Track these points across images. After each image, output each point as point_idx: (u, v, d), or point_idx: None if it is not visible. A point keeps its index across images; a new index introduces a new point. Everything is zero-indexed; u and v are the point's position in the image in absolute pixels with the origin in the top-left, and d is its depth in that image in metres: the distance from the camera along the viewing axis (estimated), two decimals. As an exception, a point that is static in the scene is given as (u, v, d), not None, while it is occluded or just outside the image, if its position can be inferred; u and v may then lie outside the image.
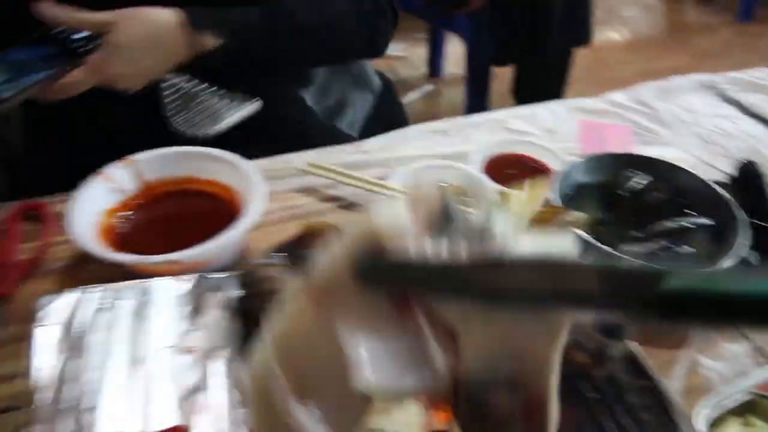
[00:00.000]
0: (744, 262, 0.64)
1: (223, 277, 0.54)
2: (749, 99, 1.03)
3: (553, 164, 0.85)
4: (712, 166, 0.88)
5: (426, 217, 0.26)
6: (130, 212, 0.70)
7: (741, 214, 0.68)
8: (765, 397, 0.54)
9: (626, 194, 0.74)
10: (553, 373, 0.27)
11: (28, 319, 0.62)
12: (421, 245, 0.26)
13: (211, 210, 0.72)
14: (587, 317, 0.42)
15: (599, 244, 0.63)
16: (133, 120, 0.80)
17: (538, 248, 0.26)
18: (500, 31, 1.98)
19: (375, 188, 0.77)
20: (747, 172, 0.80)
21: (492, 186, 0.78)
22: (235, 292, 0.52)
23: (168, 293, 0.53)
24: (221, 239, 0.61)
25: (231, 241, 0.62)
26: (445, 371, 0.27)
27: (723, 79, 1.08)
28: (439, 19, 2.35)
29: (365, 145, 0.91)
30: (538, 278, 0.22)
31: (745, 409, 0.54)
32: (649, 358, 0.53)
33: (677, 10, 3.59)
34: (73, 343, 0.47)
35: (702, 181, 0.73)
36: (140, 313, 0.51)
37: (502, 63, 2.12)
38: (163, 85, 0.77)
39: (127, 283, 0.53)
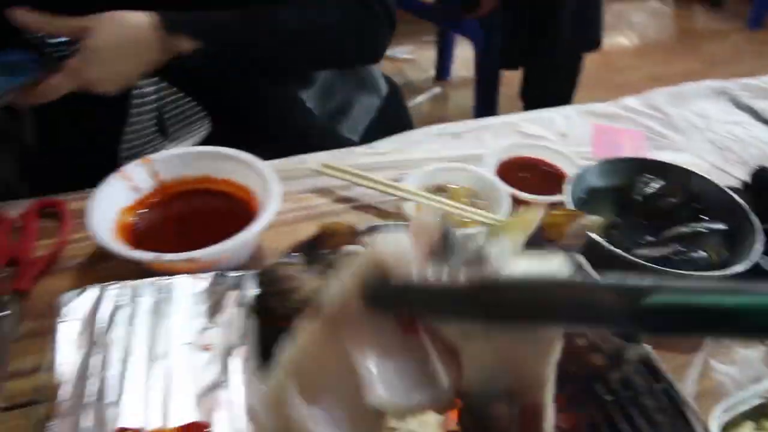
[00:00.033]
0: (757, 267, 0.65)
1: (241, 276, 0.55)
2: (762, 105, 1.04)
3: (566, 168, 0.85)
4: (725, 172, 0.88)
5: (427, 245, 0.29)
6: (147, 211, 0.71)
7: (756, 220, 0.68)
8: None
9: (640, 198, 0.74)
10: (548, 385, 0.29)
11: (44, 315, 0.63)
12: (423, 271, 0.28)
13: (226, 209, 0.72)
14: (578, 331, 0.44)
15: (613, 248, 0.63)
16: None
17: (531, 270, 0.28)
18: (510, 34, 1.99)
19: (388, 190, 0.77)
20: (760, 178, 0.80)
21: (505, 189, 0.78)
22: (253, 291, 0.53)
23: (186, 291, 0.53)
24: (238, 238, 0.61)
25: (247, 240, 0.63)
26: (448, 386, 0.29)
27: (735, 85, 1.08)
28: (449, 23, 2.35)
29: (378, 147, 0.91)
30: (530, 298, 0.24)
31: (758, 414, 0.54)
32: (663, 361, 0.54)
33: (686, 16, 3.59)
34: (95, 339, 0.48)
35: (716, 186, 0.73)
36: (159, 310, 0.51)
37: (511, 66, 2.13)
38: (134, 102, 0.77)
39: (145, 280, 0.53)
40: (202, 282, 0.54)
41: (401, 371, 0.29)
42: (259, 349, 0.49)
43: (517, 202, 0.78)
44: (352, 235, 0.54)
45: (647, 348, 0.52)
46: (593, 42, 2.03)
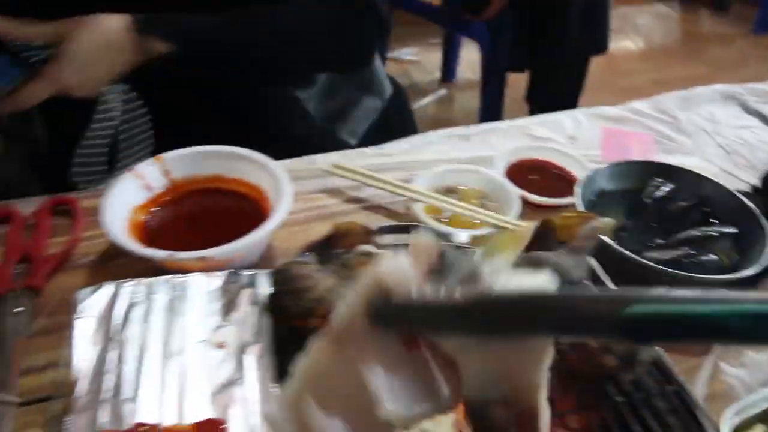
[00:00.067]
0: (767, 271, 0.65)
1: (254, 274, 0.55)
2: (771, 110, 1.04)
3: (575, 171, 0.85)
4: (734, 176, 0.89)
5: (425, 265, 0.31)
6: (158, 209, 0.71)
7: (766, 223, 0.68)
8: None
9: (650, 201, 0.75)
10: (541, 389, 0.31)
11: (57, 312, 0.63)
12: (422, 290, 0.30)
13: (238, 209, 0.73)
14: (566, 340, 0.45)
15: (623, 250, 0.64)
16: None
17: (521, 285, 0.30)
18: (517, 37, 1.99)
19: (398, 190, 0.78)
20: (769, 182, 0.80)
21: (515, 190, 0.78)
22: (267, 289, 0.53)
23: (200, 289, 0.54)
24: (251, 237, 0.62)
25: (259, 239, 0.63)
26: (449, 396, 0.31)
27: (744, 89, 1.09)
28: (456, 25, 2.35)
29: (387, 149, 0.91)
30: (521, 311, 0.26)
31: (768, 417, 0.55)
32: (674, 364, 0.54)
33: (692, 20, 3.59)
34: (110, 336, 0.48)
35: (726, 189, 0.74)
36: (173, 307, 0.52)
37: (518, 69, 2.13)
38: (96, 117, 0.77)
39: (160, 278, 0.54)
40: (215, 280, 0.54)
41: (406, 384, 0.31)
42: (273, 347, 0.49)
43: (526, 204, 0.78)
44: (366, 234, 0.54)
45: (659, 350, 0.52)
46: (600, 45, 2.03)
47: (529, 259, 0.54)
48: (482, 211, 0.75)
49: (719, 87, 1.09)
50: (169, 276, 0.54)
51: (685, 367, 0.56)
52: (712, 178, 0.76)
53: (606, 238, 0.64)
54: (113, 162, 0.81)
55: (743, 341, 0.20)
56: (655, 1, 3.71)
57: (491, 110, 2.20)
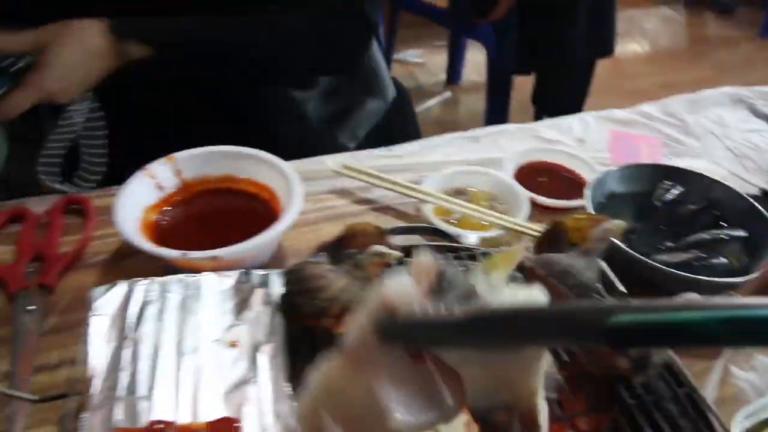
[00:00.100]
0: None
1: (267, 274, 0.55)
2: (779, 113, 1.04)
3: (584, 173, 0.85)
4: (742, 179, 0.89)
5: (426, 285, 0.33)
6: (170, 209, 0.71)
7: (776, 227, 0.68)
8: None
9: (660, 204, 0.75)
10: (538, 393, 0.34)
11: (69, 310, 0.64)
12: (424, 307, 0.32)
13: (249, 209, 0.73)
14: (557, 348, 0.48)
15: (633, 253, 0.64)
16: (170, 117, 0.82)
17: (513, 300, 0.33)
18: (523, 39, 1.99)
19: (408, 192, 0.78)
20: (779, 185, 0.80)
21: (524, 192, 0.78)
22: (279, 289, 0.53)
23: (213, 288, 0.54)
24: (263, 237, 0.62)
25: (271, 239, 0.63)
26: (452, 405, 0.34)
27: (752, 92, 1.09)
28: (462, 27, 2.36)
29: (397, 150, 0.92)
30: (514, 324, 0.27)
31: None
32: (685, 367, 0.54)
33: (698, 24, 3.59)
34: (125, 334, 0.48)
35: (736, 192, 0.74)
36: (186, 306, 0.52)
37: (524, 72, 2.13)
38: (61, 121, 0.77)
39: (173, 277, 0.54)
40: (228, 279, 0.55)
41: (413, 395, 0.33)
42: (286, 346, 0.50)
43: (535, 206, 0.78)
44: (380, 235, 0.54)
45: (671, 353, 0.52)
46: (606, 48, 2.03)
47: (539, 261, 0.54)
48: (491, 212, 0.75)
49: (727, 90, 1.10)
50: (183, 275, 0.54)
51: (695, 370, 0.56)
52: (722, 181, 0.76)
53: (616, 241, 0.64)
54: (72, 167, 0.81)
55: (720, 345, 0.22)
56: (661, 4, 3.71)
57: (497, 112, 2.20)
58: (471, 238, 0.70)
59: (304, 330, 0.52)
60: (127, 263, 0.69)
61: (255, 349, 0.49)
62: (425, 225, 0.72)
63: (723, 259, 0.68)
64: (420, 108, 2.67)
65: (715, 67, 3.06)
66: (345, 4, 0.85)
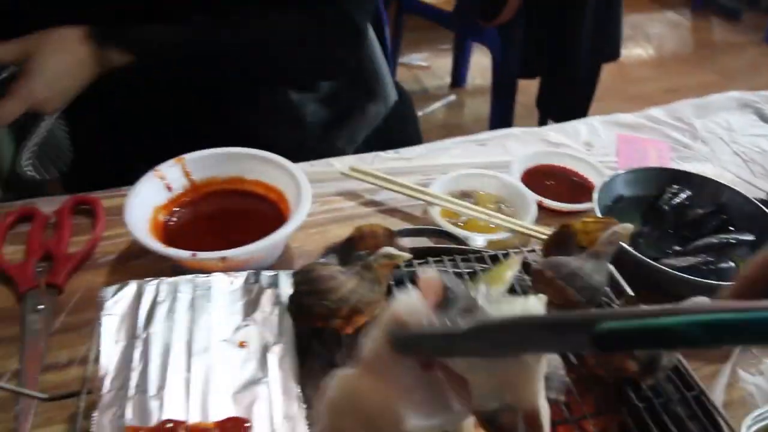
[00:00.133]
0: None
1: (276, 275, 0.55)
2: (786, 119, 1.04)
3: (592, 177, 0.85)
4: (750, 184, 0.89)
5: (433, 299, 0.37)
6: (179, 210, 0.72)
7: (784, 231, 0.68)
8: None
9: (667, 208, 0.75)
10: (539, 394, 0.36)
11: (78, 309, 0.64)
12: (431, 320, 0.35)
13: (257, 210, 0.73)
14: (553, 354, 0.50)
15: (641, 257, 0.64)
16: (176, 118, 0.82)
17: (512, 311, 0.36)
18: (529, 43, 1.99)
19: (415, 194, 0.78)
20: (787, 190, 0.80)
21: (531, 196, 0.78)
22: (288, 290, 0.53)
23: (222, 288, 0.54)
24: (271, 238, 0.62)
25: (280, 240, 0.63)
26: (461, 409, 0.36)
27: (759, 97, 1.09)
28: (467, 30, 2.36)
29: (405, 153, 0.92)
30: (513, 333, 0.30)
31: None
32: (693, 370, 0.54)
33: (704, 29, 3.59)
34: (136, 333, 0.49)
35: (744, 197, 0.74)
36: (196, 306, 0.52)
37: (529, 75, 2.13)
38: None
39: (183, 277, 0.54)
40: (237, 280, 0.55)
41: (424, 401, 0.36)
42: (296, 347, 0.50)
43: (542, 209, 0.79)
44: (389, 237, 0.54)
45: (679, 356, 0.52)
46: (612, 52, 2.03)
47: (547, 263, 0.54)
48: (498, 215, 0.75)
49: (735, 94, 1.10)
50: (192, 275, 0.54)
51: (703, 373, 0.56)
52: (730, 185, 0.76)
53: (624, 244, 0.64)
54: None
55: (700, 346, 0.24)
56: (666, 9, 3.71)
57: (502, 116, 2.20)
58: (478, 241, 0.70)
59: (313, 331, 0.52)
60: (136, 263, 0.69)
61: (264, 349, 0.49)
62: (432, 227, 0.72)
63: (731, 263, 0.68)
64: (424, 111, 2.67)
65: (721, 72, 3.06)
66: (329, 9, 0.83)
